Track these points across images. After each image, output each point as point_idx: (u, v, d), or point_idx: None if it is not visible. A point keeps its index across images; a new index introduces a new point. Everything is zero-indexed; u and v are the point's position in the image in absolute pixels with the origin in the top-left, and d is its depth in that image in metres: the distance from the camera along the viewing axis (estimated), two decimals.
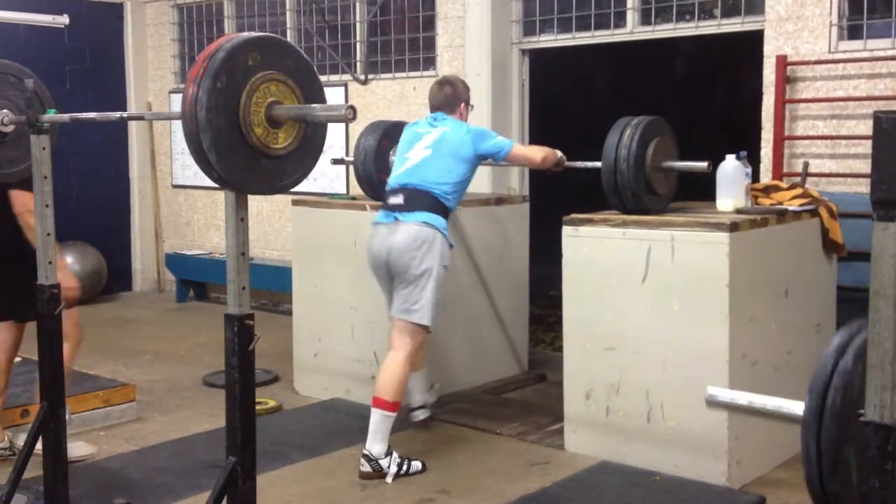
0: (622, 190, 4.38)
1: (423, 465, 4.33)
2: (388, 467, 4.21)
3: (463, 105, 4.63)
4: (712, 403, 2.06)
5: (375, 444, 4.23)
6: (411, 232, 4.28)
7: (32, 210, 3.88)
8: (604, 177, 4.42)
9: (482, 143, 4.46)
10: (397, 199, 4.37)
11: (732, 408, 2.23)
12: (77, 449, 4.42)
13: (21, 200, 4.19)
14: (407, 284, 4.31)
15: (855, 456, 1.64)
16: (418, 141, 4.50)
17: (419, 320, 4.33)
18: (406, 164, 4.46)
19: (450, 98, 4.61)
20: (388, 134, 5.35)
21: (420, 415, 4.89)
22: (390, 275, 4.40)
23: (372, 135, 5.33)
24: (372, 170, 5.25)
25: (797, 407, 1.79)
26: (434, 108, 4.66)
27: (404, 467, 4.25)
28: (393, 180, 4.49)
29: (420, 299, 4.30)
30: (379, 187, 5.30)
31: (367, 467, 4.22)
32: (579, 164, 4.79)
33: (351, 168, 7.49)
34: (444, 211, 4.37)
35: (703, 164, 4.42)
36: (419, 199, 4.33)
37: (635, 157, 4.34)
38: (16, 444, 4.43)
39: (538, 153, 4.64)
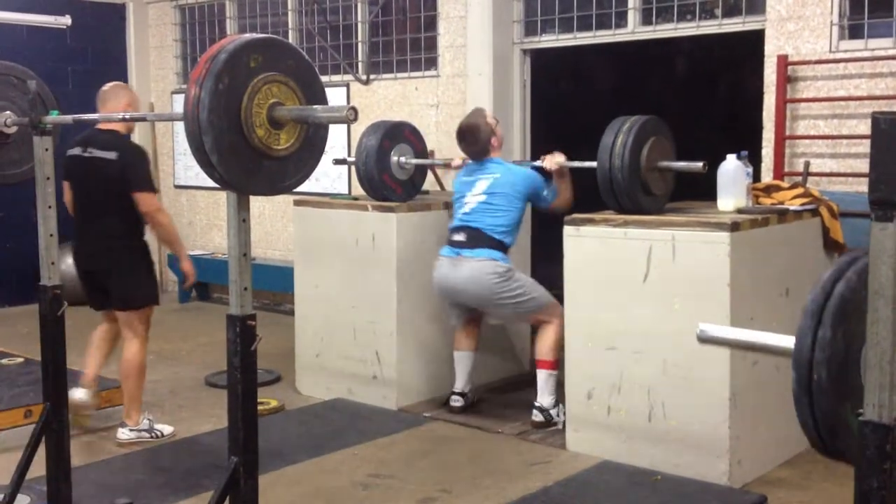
0: (617, 191, 4.40)
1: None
2: (558, 416, 4.82)
3: (493, 140, 5.02)
4: (704, 339, 2.08)
5: (545, 397, 4.87)
6: (474, 267, 4.84)
7: (160, 208, 4.73)
8: (599, 178, 4.44)
9: (531, 190, 4.97)
10: (460, 237, 4.94)
11: (723, 343, 2.24)
12: (165, 428, 4.87)
13: (147, 201, 4.64)
14: (501, 306, 4.93)
15: (853, 411, 1.65)
16: (471, 189, 4.99)
17: (538, 308, 4.93)
18: (464, 207, 4.99)
19: (477, 148, 5.03)
20: (390, 134, 5.36)
21: (457, 401, 5.12)
22: (461, 302, 5.00)
23: (374, 135, 5.34)
24: (373, 170, 5.26)
25: (787, 341, 1.78)
26: (473, 159, 5.09)
27: (563, 416, 4.75)
28: (455, 221, 5.03)
29: (534, 305, 4.91)
30: (380, 187, 5.31)
31: (539, 417, 4.86)
32: (576, 163, 4.85)
33: (353, 168, 7.52)
34: (501, 247, 4.90)
35: (699, 165, 4.41)
36: (479, 238, 4.89)
37: (630, 157, 4.35)
38: (155, 426, 4.84)
39: (569, 192, 4.99)
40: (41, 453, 3.43)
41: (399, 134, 5.46)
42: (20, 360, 5.69)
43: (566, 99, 8.11)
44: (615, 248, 4.34)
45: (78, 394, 4.69)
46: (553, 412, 4.85)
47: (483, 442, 4.75)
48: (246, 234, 2.60)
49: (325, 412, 5.29)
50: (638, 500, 4.00)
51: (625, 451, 4.34)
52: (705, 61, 8.57)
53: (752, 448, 4.20)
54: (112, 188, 4.58)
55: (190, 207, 9.10)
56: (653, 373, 4.23)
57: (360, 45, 7.51)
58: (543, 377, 4.90)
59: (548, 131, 6.99)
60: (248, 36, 2.45)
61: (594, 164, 4.48)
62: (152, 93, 9.27)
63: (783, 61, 5.30)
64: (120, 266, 4.71)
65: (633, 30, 6.14)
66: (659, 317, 4.20)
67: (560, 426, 4.74)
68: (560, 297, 4.60)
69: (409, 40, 7.24)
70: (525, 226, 5.93)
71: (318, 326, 5.61)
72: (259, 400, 2.72)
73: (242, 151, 2.39)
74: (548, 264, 6.18)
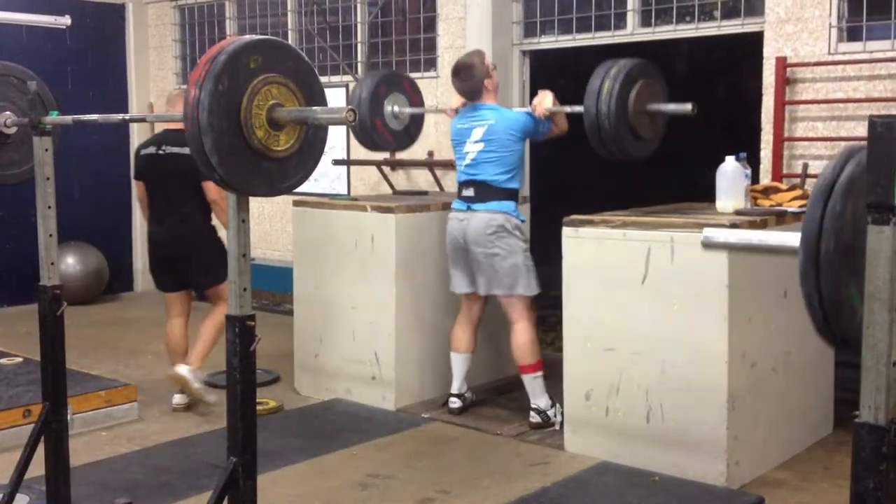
0: (605, 138, 4.32)
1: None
2: (555, 416, 4.84)
3: (486, 81, 4.95)
4: (708, 245, 2.09)
5: (538, 398, 4.89)
6: (484, 219, 4.87)
7: (224, 196, 4.65)
8: (586, 123, 4.35)
9: (526, 130, 4.91)
10: (469, 192, 4.97)
11: (728, 247, 2.23)
12: (210, 394, 5.26)
13: (215, 189, 5.02)
14: (496, 267, 4.87)
15: (857, 291, 1.66)
16: (468, 137, 4.97)
17: (523, 292, 4.89)
18: (466, 158, 4.98)
19: (470, 86, 4.96)
20: (387, 80, 5.37)
21: (455, 403, 5.11)
22: (468, 258, 4.95)
23: (370, 79, 5.33)
24: (366, 114, 5.19)
25: (793, 239, 1.79)
26: (465, 98, 5.03)
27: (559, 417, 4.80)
28: (460, 174, 5.04)
29: (514, 274, 4.86)
30: (371, 132, 5.27)
31: (536, 419, 4.87)
32: (566, 108, 4.81)
33: (352, 169, 7.53)
34: (510, 195, 4.92)
35: (688, 107, 4.36)
36: (486, 191, 4.90)
37: (617, 102, 4.24)
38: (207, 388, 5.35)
39: (563, 122, 4.92)
40: (40, 453, 3.44)
41: (397, 83, 5.43)
42: (19, 359, 5.69)
43: (566, 100, 8.11)
44: (614, 249, 4.35)
45: (182, 370, 5.25)
46: (550, 412, 4.88)
47: (481, 443, 4.76)
48: (245, 235, 2.61)
49: (324, 413, 5.29)
50: (636, 501, 4.01)
51: (623, 452, 4.34)
52: (704, 63, 8.58)
53: (750, 449, 4.20)
54: (189, 180, 5.06)
55: None
56: (651, 374, 4.24)
57: (359, 45, 7.52)
58: (529, 380, 4.93)
59: None
60: (247, 37, 2.46)
61: (579, 108, 4.42)
62: (151, 93, 9.27)
63: (782, 63, 5.31)
64: (203, 247, 5.28)
65: (633, 31, 6.15)
66: (657, 318, 4.21)
67: (557, 426, 4.79)
68: (560, 298, 4.60)
69: (408, 41, 7.25)
70: (524, 226, 5.94)
71: (317, 327, 5.61)
72: (258, 400, 2.73)
73: (242, 152, 2.40)
74: (546, 265, 6.19)
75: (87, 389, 5.07)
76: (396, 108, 5.36)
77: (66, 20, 8.36)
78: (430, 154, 6.96)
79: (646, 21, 6.10)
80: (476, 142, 4.95)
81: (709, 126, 8.65)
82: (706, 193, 4.65)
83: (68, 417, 3.52)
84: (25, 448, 3.42)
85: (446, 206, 5.43)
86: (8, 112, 3.49)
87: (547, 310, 7.33)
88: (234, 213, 2.59)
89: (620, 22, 6.18)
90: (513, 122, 4.91)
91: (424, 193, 6.27)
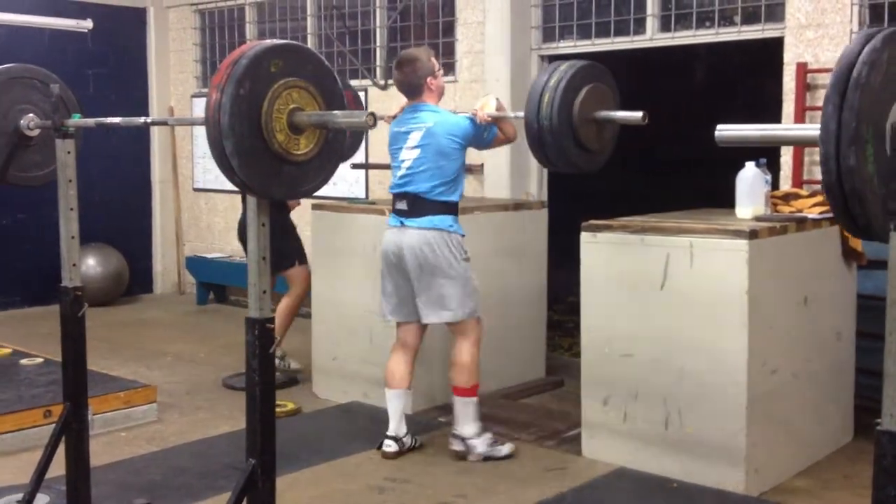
0: (545, 141, 3.84)
1: (511, 451, 4.52)
2: (476, 448, 4.45)
3: (429, 79, 4.52)
4: (722, 140, 2.01)
5: (465, 426, 4.48)
6: (419, 236, 4.43)
7: None
8: (526, 131, 3.88)
9: (468, 136, 4.47)
10: (402, 205, 4.51)
11: (743, 141, 2.11)
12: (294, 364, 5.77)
13: None
14: (433, 289, 4.44)
15: (873, 140, 1.65)
16: (405, 142, 4.50)
17: (462, 317, 4.49)
18: (402, 167, 4.51)
19: (411, 80, 4.52)
20: None
21: (390, 447, 4.55)
22: (404, 279, 4.51)
23: None
24: None
25: (811, 129, 1.77)
26: (404, 94, 4.61)
27: (493, 450, 4.46)
28: (394, 186, 4.57)
29: (453, 297, 4.45)
30: None
31: (457, 446, 4.49)
32: (509, 114, 4.54)
33: (371, 172, 7.54)
34: (447, 208, 4.47)
35: (638, 115, 3.84)
36: (421, 205, 4.44)
37: (560, 104, 3.75)
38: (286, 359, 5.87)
39: (511, 127, 4.58)
40: (61, 453, 3.46)
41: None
42: (40, 360, 5.73)
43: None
44: (632, 254, 4.34)
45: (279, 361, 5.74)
46: (473, 442, 4.45)
47: None
48: (265, 238, 2.62)
49: (342, 415, 5.31)
50: None
51: (641, 458, 4.33)
52: (724, 68, 8.55)
53: (770, 457, 4.18)
54: None
55: (209, 210, 9.15)
56: (670, 380, 4.22)
57: (378, 50, 7.54)
58: (461, 404, 4.49)
59: None
60: (268, 42, 2.48)
61: (520, 114, 4.00)
62: (172, 96, 9.33)
63: (802, 69, 5.28)
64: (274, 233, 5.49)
65: (652, 36, 6.13)
66: (676, 324, 4.19)
67: (474, 458, 4.44)
68: (577, 303, 4.59)
69: (427, 46, 7.25)
70: (540, 233, 5.94)
71: (335, 330, 5.63)
72: (276, 403, 2.74)
73: (262, 156, 2.42)
74: (563, 271, 6.17)
75: (107, 390, 5.10)
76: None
77: (87, 24, 8.43)
78: None
79: (665, 26, 6.08)
80: (412, 147, 4.47)
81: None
82: (725, 199, 4.63)
83: (89, 418, 3.54)
84: (46, 448, 3.45)
85: (465, 211, 5.43)
86: (31, 115, 3.52)
87: (564, 315, 7.33)
88: (255, 216, 2.60)
89: (640, 27, 6.17)
90: (453, 126, 4.45)
91: None
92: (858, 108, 1.63)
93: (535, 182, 6.76)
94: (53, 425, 3.52)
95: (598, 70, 3.97)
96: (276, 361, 5.44)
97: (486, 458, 4.46)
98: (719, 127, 2.01)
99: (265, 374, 2.61)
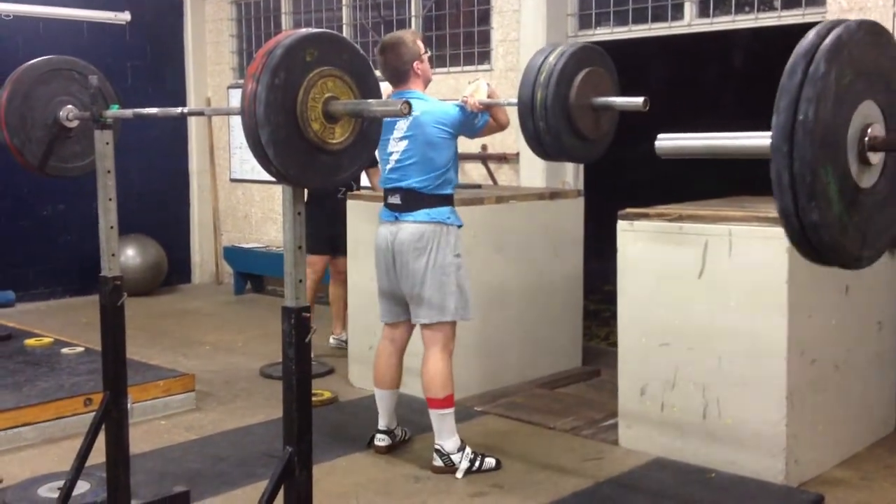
0: (539, 127, 3.52)
1: (498, 462, 4.29)
2: (460, 462, 4.22)
3: (416, 64, 4.27)
4: (662, 151, 1.85)
5: (445, 440, 4.25)
6: (414, 231, 4.21)
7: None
8: (519, 111, 3.57)
9: (458, 125, 4.23)
10: (395, 200, 4.28)
11: (684, 151, 1.91)
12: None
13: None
14: (422, 286, 4.22)
15: (835, 178, 1.49)
16: (391, 133, 4.25)
17: (450, 317, 4.26)
18: (390, 160, 4.28)
19: (396, 65, 4.27)
20: None
21: (382, 440, 4.51)
22: (397, 276, 4.31)
23: None
24: None
25: (762, 138, 1.59)
26: (388, 80, 4.35)
27: (476, 463, 4.24)
28: (385, 180, 4.33)
29: (441, 298, 4.22)
30: None
31: (438, 462, 4.25)
32: (502, 102, 4.30)
33: None
34: (442, 200, 4.25)
35: (639, 101, 3.55)
36: (414, 199, 4.22)
37: (556, 88, 3.47)
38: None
39: (503, 114, 4.33)
40: (101, 441, 3.50)
41: None
42: (80, 349, 5.81)
43: (622, 93, 8.03)
44: (670, 242, 4.30)
45: (332, 342, 6.44)
46: (456, 457, 4.23)
47: (534, 437, 4.74)
48: (301, 227, 2.62)
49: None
50: (692, 497, 3.96)
51: (678, 448, 4.30)
52: (763, 54, 8.44)
53: (810, 447, 4.13)
54: None
55: (245, 201, 9.21)
56: (708, 369, 4.18)
57: None
58: (436, 417, 4.26)
59: None
60: (304, 31, 2.47)
61: (513, 101, 3.70)
62: (209, 88, 9.39)
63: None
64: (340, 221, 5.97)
65: (690, 22, 6.06)
66: (714, 313, 4.15)
67: (461, 474, 4.19)
68: (613, 293, 4.56)
69: (462, 35, 7.23)
70: (576, 222, 5.90)
71: (372, 319, 5.62)
72: (312, 391, 2.75)
73: (298, 145, 2.42)
74: (600, 260, 6.12)
75: (146, 379, 5.15)
76: None
77: (125, 16, 8.51)
78: (484, 148, 6.94)
79: (704, 11, 6.01)
80: (400, 138, 4.23)
81: (767, 119, 8.52)
82: (765, 187, 4.56)
83: (128, 406, 3.57)
84: (86, 436, 3.48)
85: (500, 200, 5.42)
86: (70, 106, 3.55)
87: (601, 304, 7.29)
88: (290, 205, 2.60)
89: (678, 13, 6.10)
90: (442, 115, 4.19)
91: (478, 187, 6.26)
92: (812, 156, 1.46)
93: (572, 170, 6.72)
94: (94, 413, 3.55)
95: (595, 53, 3.68)
96: (340, 343, 6.17)
97: (469, 472, 4.22)
98: (660, 136, 1.86)
99: (302, 363, 2.61)
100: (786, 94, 1.49)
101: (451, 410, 4.28)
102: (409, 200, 4.22)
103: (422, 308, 4.26)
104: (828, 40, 1.49)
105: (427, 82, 4.38)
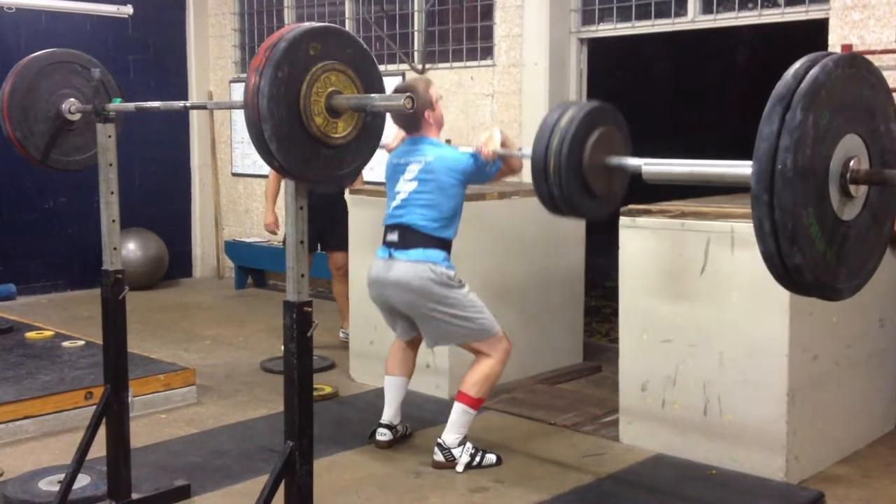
0: (552, 187, 3.16)
1: (499, 458, 4.29)
2: (460, 457, 4.23)
3: (427, 113, 4.32)
4: (649, 177, 1.87)
5: (450, 434, 4.26)
6: (407, 270, 4.19)
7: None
8: (532, 170, 3.28)
9: (468, 171, 4.25)
10: (393, 237, 4.29)
11: (669, 178, 1.95)
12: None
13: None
14: (431, 318, 4.25)
15: (816, 219, 1.47)
16: (402, 174, 4.31)
17: (477, 335, 4.28)
18: (396, 198, 4.31)
19: (407, 115, 4.21)
20: None
21: (384, 435, 4.50)
22: (399, 309, 4.34)
23: None
24: None
25: (743, 167, 1.59)
26: (401, 127, 4.41)
27: (477, 458, 4.25)
28: (388, 217, 4.35)
29: (463, 326, 4.25)
30: None
31: (439, 456, 4.25)
32: (514, 153, 4.26)
33: None
34: (440, 244, 4.25)
35: (639, 164, 3.40)
36: (412, 237, 4.22)
37: (569, 151, 3.51)
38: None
39: (516, 160, 4.31)
40: (101, 434, 3.50)
41: None
42: (82, 342, 5.81)
43: (623, 89, 8.03)
44: (672, 239, 4.29)
45: (342, 335, 6.31)
46: (456, 451, 4.24)
47: (535, 433, 4.74)
48: (303, 222, 2.62)
49: (379, 399, 5.27)
50: (692, 494, 3.96)
51: (679, 444, 4.30)
52: (766, 51, 8.43)
53: (810, 444, 4.13)
54: None
55: (247, 195, 9.21)
56: (709, 366, 4.18)
57: (416, 34, 7.52)
58: (459, 411, 4.26)
59: None
60: (307, 25, 2.47)
61: (527, 153, 3.32)
62: (211, 81, 9.39)
63: (847, 51, 5.18)
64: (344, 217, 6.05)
65: (693, 18, 6.05)
66: (716, 310, 4.15)
67: (461, 468, 4.20)
68: (615, 289, 4.56)
69: (465, 29, 7.22)
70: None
71: (373, 314, 5.62)
72: (314, 386, 2.75)
73: (301, 139, 2.41)
74: (598, 256, 6.13)
75: (147, 373, 5.16)
76: None
77: (128, 9, 8.50)
78: None
79: (707, 8, 6.00)
80: (410, 180, 4.26)
81: None
82: None
83: (129, 400, 3.57)
84: (87, 429, 3.49)
85: (503, 196, 5.41)
86: (72, 99, 3.55)
87: (602, 301, 7.29)
88: (293, 200, 2.60)
89: (681, 9, 6.09)
90: (454, 162, 4.22)
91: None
92: (793, 203, 1.44)
93: None
94: (94, 407, 3.55)
95: (609, 112, 3.65)
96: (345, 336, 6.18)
97: (470, 467, 4.23)
98: (645, 162, 1.86)
99: (303, 358, 2.61)
100: (763, 141, 1.47)
101: (474, 413, 4.29)
102: (407, 238, 4.23)
103: (448, 339, 4.35)
104: (804, 84, 1.46)
105: (440, 128, 4.42)
